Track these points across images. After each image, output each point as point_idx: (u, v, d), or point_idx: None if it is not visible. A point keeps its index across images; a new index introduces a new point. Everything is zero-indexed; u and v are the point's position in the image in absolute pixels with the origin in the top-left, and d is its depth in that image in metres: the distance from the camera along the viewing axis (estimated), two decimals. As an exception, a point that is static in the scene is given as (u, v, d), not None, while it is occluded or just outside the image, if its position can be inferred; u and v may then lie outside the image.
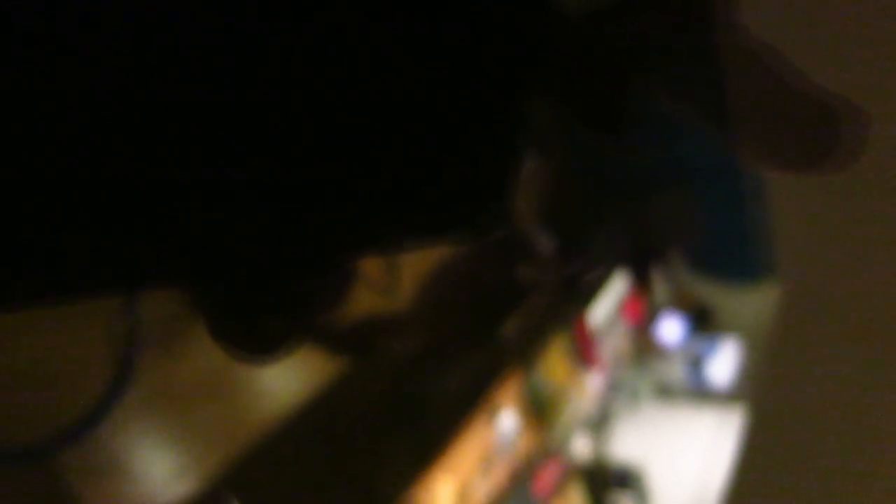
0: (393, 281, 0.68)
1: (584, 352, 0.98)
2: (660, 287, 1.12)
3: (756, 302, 0.96)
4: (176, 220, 0.13)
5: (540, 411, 0.90)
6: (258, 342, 0.16)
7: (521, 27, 0.13)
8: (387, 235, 0.16)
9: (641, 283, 1.09)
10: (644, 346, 1.12)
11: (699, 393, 1.09)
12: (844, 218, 0.60)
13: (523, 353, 0.87)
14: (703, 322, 1.14)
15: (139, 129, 0.12)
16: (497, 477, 0.82)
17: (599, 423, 1.04)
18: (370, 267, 0.65)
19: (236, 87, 0.12)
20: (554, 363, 0.93)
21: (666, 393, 1.13)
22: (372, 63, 0.13)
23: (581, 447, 1.01)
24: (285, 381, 0.60)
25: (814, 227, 0.61)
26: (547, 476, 0.89)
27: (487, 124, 0.15)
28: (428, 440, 0.74)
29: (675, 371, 1.11)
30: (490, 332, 0.83)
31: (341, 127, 0.13)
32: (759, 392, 0.83)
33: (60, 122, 0.11)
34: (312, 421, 0.62)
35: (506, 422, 0.83)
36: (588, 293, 0.99)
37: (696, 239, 1.04)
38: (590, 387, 1.00)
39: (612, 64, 0.17)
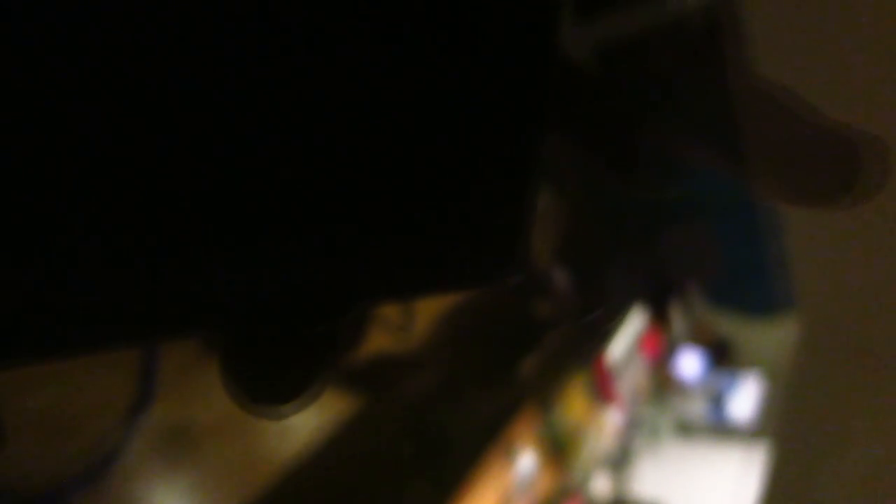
0: (409, 319, 0.68)
1: (602, 389, 0.97)
2: (678, 322, 1.11)
3: (776, 335, 0.95)
4: (194, 272, 0.13)
5: (559, 450, 0.88)
6: (279, 394, 0.16)
7: (531, 74, 0.14)
8: (404, 284, 0.16)
9: (659, 317, 1.08)
10: (663, 382, 1.10)
11: (720, 429, 1.07)
12: (862, 249, 0.60)
13: (541, 391, 0.87)
14: (723, 357, 1.12)
15: (161, 182, 0.12)
16: (516, 518, 0.80)
17: (620, 461, 1.02)
18: (386, 306, 0.65)
19: (258, 140, 0.12)
20: (572, 401, 0.91)
21: (686, 430, 1.11)
22: (390, 112, 0.13)
23: (601, 486, 0.99)
24: (301, 421, 0.60)
25: (832, 258, 0.60)
26: (567, 516, 0.88)
27: (502, 172, 0.15)
28: (446, 480, 0.73)
29: (696, 407, 1.10)
30: (507, 370, 0.82)
31: (361, 176, 0.13)
32: (781, 428, 0.82)
33: (77, 180, 0.11)
34: (329, 461, 0.61)
35: (524, 461, 0.82)
36: (606, 330, 0.99)
37: (714, 272, 1.03)
38: (609, 424, 0.98)
39: (623, 103, 0.17)
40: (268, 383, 0.16)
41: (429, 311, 0.71)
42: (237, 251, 0.13)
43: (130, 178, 0.12)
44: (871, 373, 0.61)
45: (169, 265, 0.13)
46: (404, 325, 0.68)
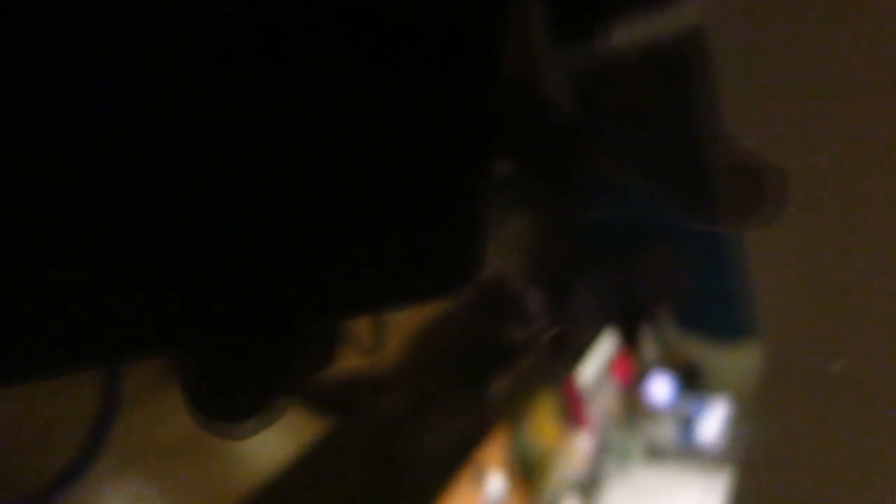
0: (379, 340, 0.68)
1: (573, 412, 0.97)
2: (649, 346, 1.12)
3: (743, 360, 0.97)
4: (156, 291, 0.13)
5: (528, 473, 0.88)
6: (235, 411, 0.16)
7: (477, 95, 0.14)
8: (360, 298, 0.16)
9: (630, 342, 1.09)
10: (633, 406, 1.11)
11: (690, 453, 1.08)
12: (824, 277, 0.61)
13: (511, 413, 0.87)
14: (693, 381, 1.13)
15: (118, 204, 0.12)
16: (485, 541, 0.80)
17: (589, 485, 1.02)
18: (356, 326, 0.65)
19: (216, 156, 0.13)
20: (542, 423, 0.92)
21: (656, 453, 1.12)
22: (343, 133, 0.13)
23: (571, 510, 0.99)
24: (269, 441, 0.59)
25: (792, 286, 0.62)
26: (536, 540, 0.88)
27: (452, 189, 0.15)
28: (415, 503, 0.73)
29: (666, 431, 1.10)
30: (477, 392, 0.82)
31: (315, 194, 0.14)
32: (745, 452, 0.83)
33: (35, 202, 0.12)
34: (295, 483, 0.61)
35: (493, 483, 0.82)
36: (577, 352, 0.99)
37: (683, 297, 1.05)
38: (579, 448, 0.99)
39: (558, 121, 0.18)
40: (225, 401, 0.16)
41: (400, 332, 0.72)
42: (196, 270, 0.13)
43: (88, 201, 0.12)
44: (831, 399, 0.62)
45: (129, 285, 0.13)
46: (375, 346, 0.68)
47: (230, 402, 0.16)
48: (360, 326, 0.66)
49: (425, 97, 0.14)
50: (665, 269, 1.04)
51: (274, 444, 0.60)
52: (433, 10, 0.13)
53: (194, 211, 0.13)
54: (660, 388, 1.12)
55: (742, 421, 1.01)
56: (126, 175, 0.12)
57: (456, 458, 0.78)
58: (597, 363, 1.02)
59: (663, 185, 0.17)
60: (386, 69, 0.13)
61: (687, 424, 1.09)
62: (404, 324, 0.73)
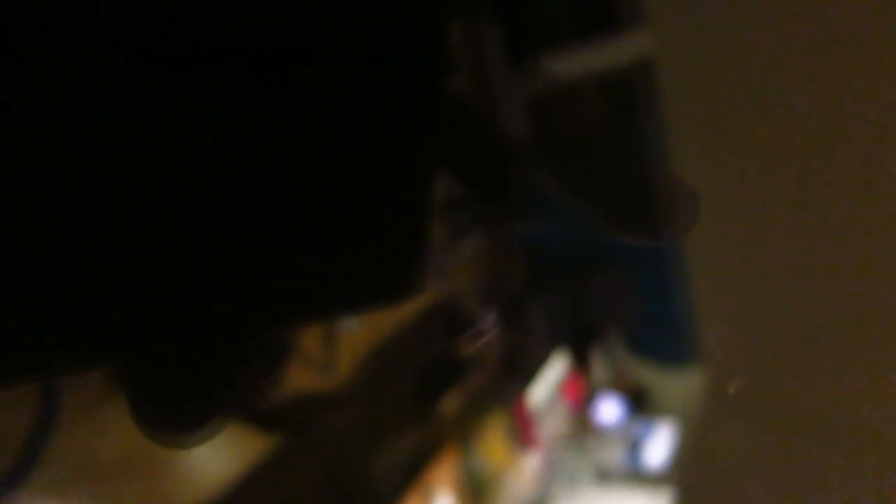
0: (331, 358, 0.68)
1: (523, 433, 0.98)
2: (599, 369, 1.14)
3: (688, 385, 0.99)
4: (95, 301, 0.13)
5: (477, 493, 0.88)
6: (179, 421, 0.16)
7: (421, 108, 0.15)
8: (305, 306, 0.16)
9: (581, 363, 1.11)
10: (583, 427, 1.12)
11: (636, 475, 1.10)
12: (763, 305, 0.63)
13: (461, 432, 0.87)
14: (640, 404, 1.15)
15: (58, 211, 0.12)
16: (432, 562, 0.80)
17: (538, 506, 1.02)
18: (308, 344, 0.65)
19: (154, 162, 0.13)
20: (492, 443, 0.92)
21: (604, 475, 1.13)
22: (293, 144, 0.14)
23: (519, 531, 0.99)
24: (215, 460, 0.58)
25: (734, 312, 0.64)
26: (483, 561, 0.87)
27: (396, 200, 0.16)
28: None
29: (613, 453, 1.12)
30: (428, 411, 0.82)
31: (257, 202, 0.14)
32: (686, 474, 0.84)
33: None
34: (241, 501, 0.60)
35: (442, 503, 0.82)
36: (528, 373, 1.00)
37: (633, 321, 1.07)
38: (528, 468, 0.99)
39: (497, 137, 0.19)
40: (169, 412, 0.16)
41: (352, 350, 0.71)
42: (137, 279, 0.14)
43: (26, 208, 0.12)
44: (770, 424, 0.64)
45: (69, 294, 0.13)
46: (326, 364, 0.67)
47: (174, 414, 0.16)
48: (312, 344, 0.66)
49: (371, 109, 0.14)
50: (615, 293, 1.06)
51: (219, 461, 0.59)
52: (376, 28, 0.14)
53: (134, 219, 0.13)
54: (608, 410, 1.13)
55: (685, 443, 1.03)
56: (63, 180, 0.12)
57: (405, 478, 0.78)
58: (547, 384, 1.03)
59: (596, 202, 0.18)
60: (330, 81, 0.13)
61: (634, 446, 1.10)
62: (356, 342, 0.73)
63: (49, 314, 0.13)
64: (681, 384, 1.05)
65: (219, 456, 0.59)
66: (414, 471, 0.79)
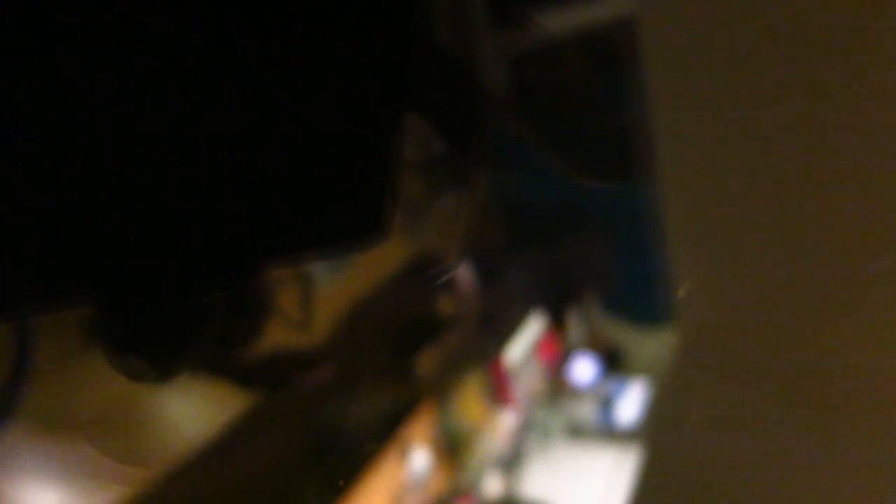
0: (307, 315, 0.68)
1: (499, 391, 0.99)
2: (574, 328, 1.16)
3: (661, 344, 1.01)
4: (72, 242, 0.13)
5: (453, 449, 0.90)
6: (151, 365, 0.16)
7: (391, 56, 0.15)
8: (270, 247, 0.16)
9: (557, 323, 1.12)
10: (557, 386, 1.14)
11: (608, 432, 1.12)
12: (739, 264, 0.64)
13: (438, 390, 0.88)
14: (614, 363, 1.17)
15: (37, 144, 0.12)
16: (408, 516, 0.81)
17: (512, 462, 1.05)
18: (284, 301, 0.65)
19: (129, 108, 0.13)
20: (469, 401, 0.93)
21: (576, 432, 1.16)
22: (264, 88, 0.14)
23: (493, 486, 1.01)
24: (193, 415, 0.59)
25: (710, 272, 0.65)
26: (458, 515, 0.90)
27: (364, 146, 0.16)
28: (339, 477, 0.73)
29: (587, 411, 1.14)
30: (405, 368, 0.83)
31: (233, 147, 0.14)
32: (655, 431, 0.87)
33: None
34: (220, 457, 0.60)
35: (418, 459, 0.83)
36: (505, 331, 1.01)
37: (609, 281, 1.08)
38: (503, 425, 1.01)
39: (468, 86, 0.19)
40: (141, 355, 0.16)
41: (328, 307, 0.71)
42: (114, 220, 0.14)
43: (12, 147, 0.12)
44: (744, 382, 0.66)
45: (49, 233, 0.13)
46: (303, 322, 0.67)
47: (146, 358, 0.16)
48: (288, 301, 0.66)
49: (339, 53, 0.14)
50: (591, 253, 1.07)
51: (198, 417, 0.59)
52: None
53: (113, 164, 0.13)
54: (583, 369, 1.15)
55: (658, 402, 1.06)
56: (45, 126, 0.12)
57: (381, 434, 0.79)
58: (524, 343, 1.04)
59: (571, 153, 0.18)
60: (304, 24, 0.13)
61: (607, 404, 1.13)
62: (334, 300, 0.73)
63: (27, 253, 0.13)
64: (654, 344, 1.07)
65: (197, 411, 0.59)
66: (391, 427, 0.80)
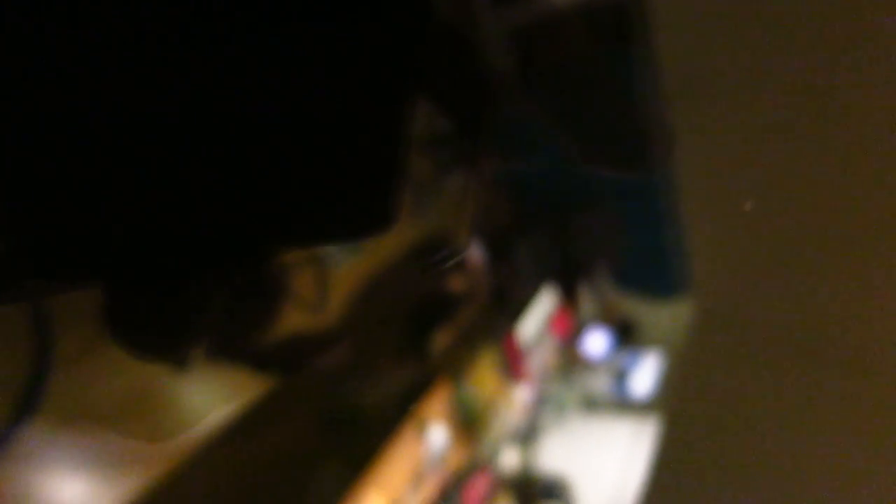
0: (322, 297, 0.68)
1: (513, 365, 1.00)
2: (586, 302, 1.16)
3: (675, 316, 1.01)
4: (81, 217, 0.13)
5: (469, 424, 0.91)
6: (154, 344, 0.16)
7: (400, 43, 0.15)
8: (280, 235, 0.16)
9: (569, 297, 1.12)
10: (571, 360, 1.15)
11: (623, 404, 1.13)
12: (753, 237, 0.64)
13: (453, 366, 0.88)
14: (628, 336, 1.17)
15: (52, 127, 0.12)
16: (427, 491, 0.82)
17: (527, 436, 1.05)
18: (299, 284, 0.65)
19: (145, 93, 0.13)
20: (483, 377, 0.94)
21: (591, 404, 1.16)
22: (275, 72, 0.14)
23: (509, 459, 1.02)
24: (210, 401, 0.59)
25: (725, 248, 0.65)
26: (476, 489, 0.91)
27: (374, 137, 0.16)
28: (358, 456, 0.74)
29: (601, 383, 1.14)
30: (419, 346, 0.83)
31: (246, 135, 0.14)
32: (673, 402, 0.87)
33: None
34: (240, 440, 0.61)
35: (435, 435, 0.84)
36: (517, 307, 1.01)
37: (620, 255, 1.08)
38: (518, 400, 1.02)
39: (479, 72, 0.18)
40: (145, 333, 0.16)
41: (342, 288, 0.71)
42: (126, 201, 0.14)
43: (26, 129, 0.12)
44: (758, 352, 0.66)
45: (58, 213, 0.13)
46: (317, 304, 0.68)
47: (150, 337, 0.16)
48: (303, 284, 0.66)
49: (350, 41, 0.14)
50: (603, 227, 1.06)
51: (215, 402, 0.59)
52: None
53: (127, 147, 0.13)
54: (596, 343, 1.15)
55: (672, 373, 1.06)
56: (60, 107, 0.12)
57: (399, 412, 0.79)
58: (537, 318, 1.04)
59: (579, 134, 0.18)
60: (315, 7, 0.13)
61: (621, 377, 1.13)
62: (346, 282, 0.73)
63: (38, 232, 0.13)
64: (668, 316, 1.07)
65: (216, 396, 0.59)
66: (408, 404, 0.80)
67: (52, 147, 0.13)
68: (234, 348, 0.53)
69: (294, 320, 0.66)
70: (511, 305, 1.01)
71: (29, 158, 0.13)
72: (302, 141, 0.15)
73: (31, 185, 0.13)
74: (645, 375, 1.12)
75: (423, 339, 0.84)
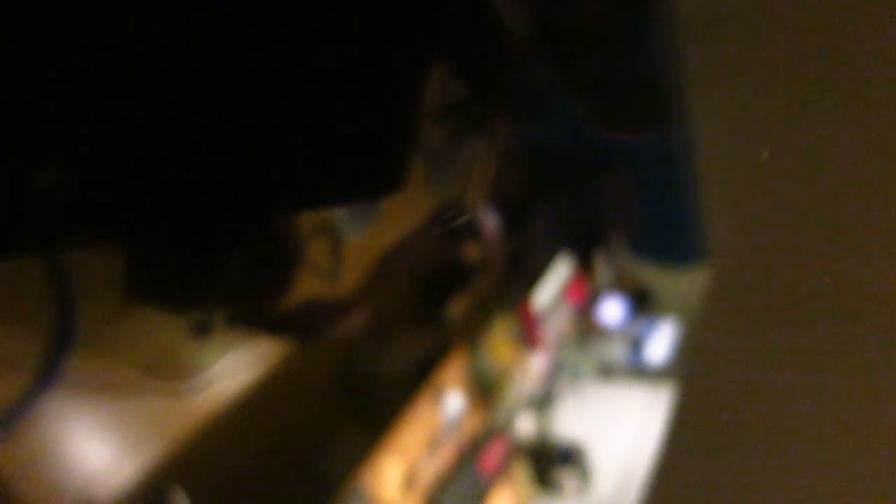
0: (338, 266, 0.68)
1: (528, 333, 1.00)
2: (602, 270, 1.15)
3: (691, 284, 1.00)
4: (103, 174, 0.14)
5: (485, 391, 0.91)
6: (170, 297, 0.16)
7: (413, 6, 0.14)
8: (290, 194, 0.16)
9: (584, 266, 1.12)
10: (586, 327, 1.15)
11: (638, 371, 1.13)
12: (770, 204, 0.63)
13: (469, 334, 0.89)
14: (643, 304, 1.17)
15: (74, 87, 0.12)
16: (444, 457, 0.83)
17: (543, 402, 1.06)
18: (315, 253, 0.65)
19: (160, 56, 0.13)
20: (499, 344, 0.94)
21: (606, 372, 1.17)
22: (288, 34, 0.14)
23: (525, 426, 1.03)
24: (230, 369, 0.60)
25: (742, 213, 0.64)
26: (492, 454, 0.92)
27: (386, 99, 0.16)
28: (375, 422, 0.75)
29: (616, 351, 1.15)
30: (436, 314, 0.84)
31: (259, 95, 0.14)
32: (689, 369, 0.87)
33: None
34: (258, 406, 0.62)
35: (452, 402, 0.85)
36: (533, 275, 1.01)
37: (636, 223, 1.07)
38: (534, 367, 1.02)
39: (498, 33, 0.18)
40: (162, 287, 0.16)
41: (358, 257, 0.72)
42: (143, 159, 0.14)
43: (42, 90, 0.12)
44: (771, 321, 0.65)
45: (82, 169, 0.13)
46: (333, 272, 0.68)
47: (167, 290, 0.17)
48: (318, 253, 0.66)
49: (362, 7, 0.14)
50: (618, 196, 1.05)
51: (236, 370, 0.60)
52: None
53: (147, 102, 0.13)
54: (612, 310, 1.15)
55: (687, 340, 1.06)
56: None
57: (416, 379, 0.80)
58: (552, 286, 1.04)
59: (594, 99, 0.18)
60: None
61: (636, 344, 1.13)
62: (362, 249, 0.73)
63: (59, 188, 0.13)
64: (684, 283, 1.07)
65: (235, 364, 0.60)
66: (425, 372, 0.81)
67: (76, 97, 0.13)
68: (252, 316, 0.54)
69: (310, 288, 0.66)
70: (526, 273, 1.00)
71: (54, 115, 0.13)
72: (314, 101, 0.15)
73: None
74: (660, 343, 1.12)
75: (439, 308, 0.84)
